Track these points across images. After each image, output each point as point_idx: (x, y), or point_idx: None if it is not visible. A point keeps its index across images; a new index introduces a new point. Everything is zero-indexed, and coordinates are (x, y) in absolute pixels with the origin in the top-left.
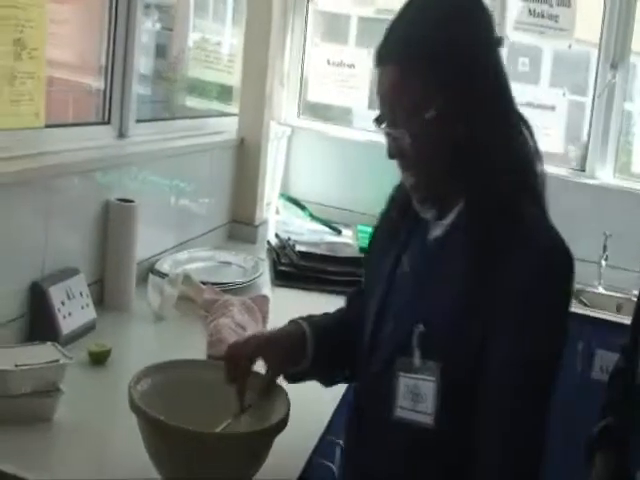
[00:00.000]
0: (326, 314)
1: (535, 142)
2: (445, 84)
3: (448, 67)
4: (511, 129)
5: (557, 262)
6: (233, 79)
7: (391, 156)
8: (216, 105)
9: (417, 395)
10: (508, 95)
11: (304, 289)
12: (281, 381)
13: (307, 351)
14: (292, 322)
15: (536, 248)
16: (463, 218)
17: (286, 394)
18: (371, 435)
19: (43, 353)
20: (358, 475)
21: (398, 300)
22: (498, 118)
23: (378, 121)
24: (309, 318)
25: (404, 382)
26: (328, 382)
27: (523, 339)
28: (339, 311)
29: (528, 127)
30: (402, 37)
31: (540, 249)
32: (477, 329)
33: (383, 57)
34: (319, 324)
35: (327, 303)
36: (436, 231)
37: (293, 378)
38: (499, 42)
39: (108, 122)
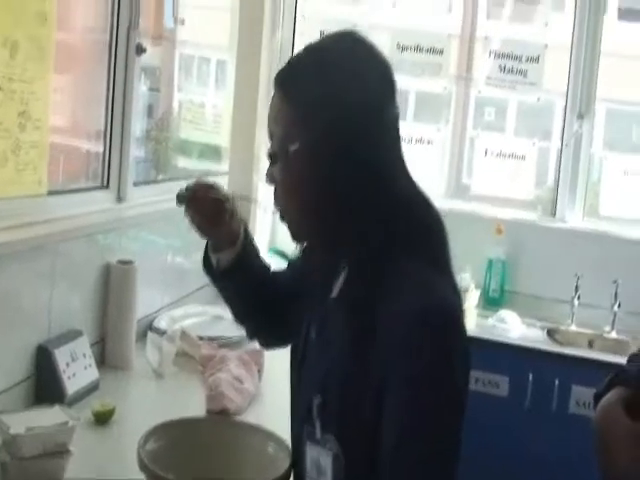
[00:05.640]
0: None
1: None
2: (314, 125)
3: (322, 112)
4: (387, 175)
5: (430, 323)
6: (220, 139)
7: (266, 179)
8: (205, 164)
9: (319, 467)
10: (389, 141)
11: None
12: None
13: (237, 244)
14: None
15: (406, 312)
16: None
17: (288, 447)
18: None
19: (51, 415)
20: None
21: (307, 366)
22: (371, 165)
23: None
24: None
25: (310, 452)
26: (247, 323)
27: (404, 417)
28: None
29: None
30: (295, 68)
31: (410, 312)
32: (369, 402)
33: (276, 79)
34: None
35: None
36: (335, 289)
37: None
38: (389, 101)
39: (107, 187)
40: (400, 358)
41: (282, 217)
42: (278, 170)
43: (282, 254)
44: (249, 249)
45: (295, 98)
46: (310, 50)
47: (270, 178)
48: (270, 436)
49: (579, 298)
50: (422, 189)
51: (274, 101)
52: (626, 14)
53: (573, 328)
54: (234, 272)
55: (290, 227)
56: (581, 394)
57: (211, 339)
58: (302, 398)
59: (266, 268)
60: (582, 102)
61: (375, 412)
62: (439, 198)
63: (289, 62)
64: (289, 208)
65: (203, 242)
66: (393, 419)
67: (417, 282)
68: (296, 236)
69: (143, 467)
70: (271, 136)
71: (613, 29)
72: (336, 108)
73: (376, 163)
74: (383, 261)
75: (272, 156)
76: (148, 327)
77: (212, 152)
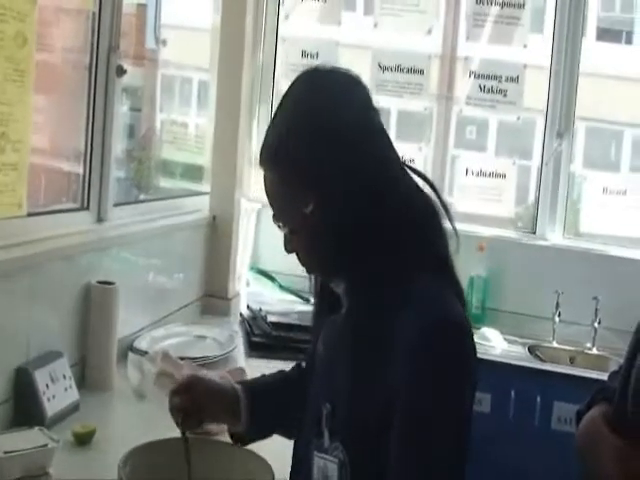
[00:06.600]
0: (281, 372)
1: (441, 199)
2: (317, 180)
3: (316, 164)
4: (398, 198)
5: (441, 336)
6: (202, 159)
7: (287, 250)
8: (187, 184)
9: (326, 476)
10: (390, 165)
11: (277, 358)
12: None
13: (241, 418)
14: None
15: (417, 325)
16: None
17: (269, 465)
18: None
19: (30, 438)
20: None
21: (315, 379)
22: (381, 191)
23: (274, 219)
24: (247, 385)
25: (317, 462)
26: (289, 436)
27: (412, 430)
28: (295, 368)
29: (432, 186)
30: (269, 143)
31: (421, 325)
32: (377, 411)
33: (260, 159)
34: (256, 390)
35: None
36: (344, 304)
37: (241, 440)
38: (371, 118)
39: (87, 208)
40: (409, 371)
41: (301, 262)
42: (301, 237)
43: (265, 274)
44: (257, 397)
45: (287, 173)
46: (276, 116)
47: (291, 247)
48: (251, 455)
49: (560, 315)
50: (417, 182)
51: (268, 181)
52: (604, 35)
53: (554, 345)
54: (258, 424)
55: (310, 269)
56: (563, 410)
57: (192, 359)
58: (311, 410)
59: (288, 386)
60: (561, 121)
61: (382, 421)
62: None
63: (264, 139)
64: (313, 257)
65: (185, 263)
66: (399, 431)
67: (427, 296)
68: (313, 271)
69: None
70: (279, 215)
71: (592, 49)
72: (328, 149)
73: (382, 175)
74: (391, 275)
75: (292, 230)
76: (129, 348)
77: (194, 172)
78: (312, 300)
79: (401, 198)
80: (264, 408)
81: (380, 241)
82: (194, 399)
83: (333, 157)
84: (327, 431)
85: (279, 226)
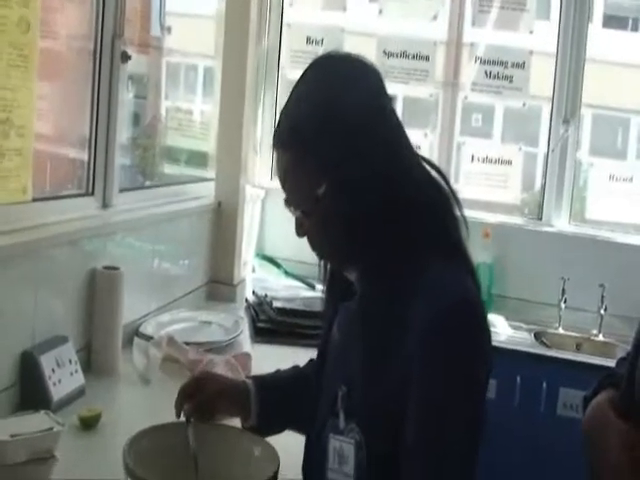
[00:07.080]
0: (295, 367)
1: (451, 188)
2: (330, 163)
3: (330, 147)
4: (411, 184)
5: (456, 320)
6: (207, 145)
7: (298, 234)
8: (192, 171)
9: (342, 457)
10: (403, 151)
11: (283, 344)
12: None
13: (251, 411)
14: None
15: (432, 309)
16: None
17: (274, 450)
18: None
19: (36, 421)
20: None
21: (330, 363)
22: (394, 176)
23: (286, 203)
24: (258, 379)
25: (332, 444)
26: (302, 431)
27: (425, 417)
28: (309, 363)
29: (442, 175)
30: (286, 122)
31: (436, 309)
32: (393, 392)
33: (274, 141)
34: (267, 383)
35: (305, 357)
36: (358, 289)
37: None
38: (385, 105)
39: (92, 193)
40: (422, 358)
41: (313, 246)
42: (312, 220)
43: (270, 260)
44: (268, 390)
45: (301, 149)
46: (291, 100)
47: (302, 231)
48: (257, 439)
49: (566, 301)
50: (428, 170)
51: (282, 163)
52: (611, 21)
53: (560, 331)
54: (269, 417)
55: (321, 254)
56: (569, 396)
57: (198, 344)
58: (326, 393)
59: (301, 380)
60: (568, 107)
61: (397, 405)
62: None
63: (278, 122)
64: (324, 241)
65: (190, 249)
66: (414, 417)
67: (440, 284)
68: (324, 256)
69: (129, 471)
70: (291, 197)
71: (598, 36)
72: (341, 134)
73: (395, 161)
74: (404, 264)
75: (304, 213)
76: (134, 333)
77: (199, 158)
78: (317, 286)
79: (414, 185)
80: (275, 401)
81: (392, 228)
82: (204, 397)
83: (346, 142)
84: (342, 412)
85: (290, 209)
